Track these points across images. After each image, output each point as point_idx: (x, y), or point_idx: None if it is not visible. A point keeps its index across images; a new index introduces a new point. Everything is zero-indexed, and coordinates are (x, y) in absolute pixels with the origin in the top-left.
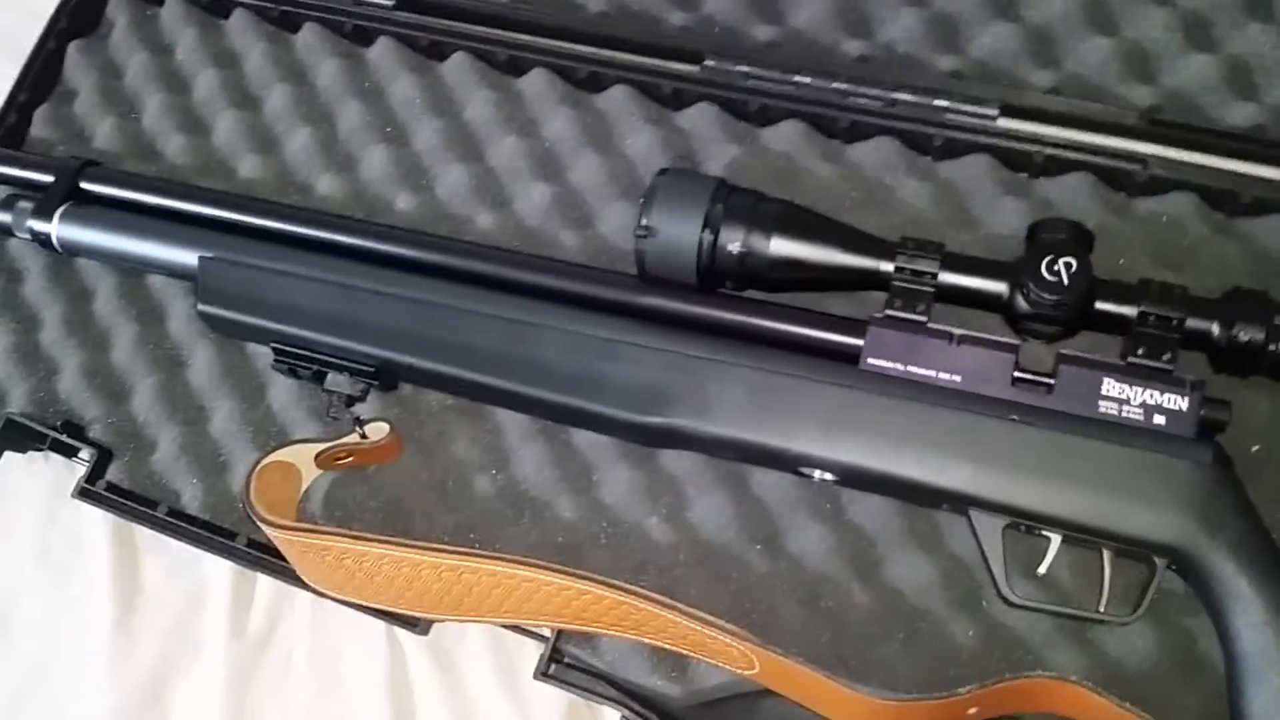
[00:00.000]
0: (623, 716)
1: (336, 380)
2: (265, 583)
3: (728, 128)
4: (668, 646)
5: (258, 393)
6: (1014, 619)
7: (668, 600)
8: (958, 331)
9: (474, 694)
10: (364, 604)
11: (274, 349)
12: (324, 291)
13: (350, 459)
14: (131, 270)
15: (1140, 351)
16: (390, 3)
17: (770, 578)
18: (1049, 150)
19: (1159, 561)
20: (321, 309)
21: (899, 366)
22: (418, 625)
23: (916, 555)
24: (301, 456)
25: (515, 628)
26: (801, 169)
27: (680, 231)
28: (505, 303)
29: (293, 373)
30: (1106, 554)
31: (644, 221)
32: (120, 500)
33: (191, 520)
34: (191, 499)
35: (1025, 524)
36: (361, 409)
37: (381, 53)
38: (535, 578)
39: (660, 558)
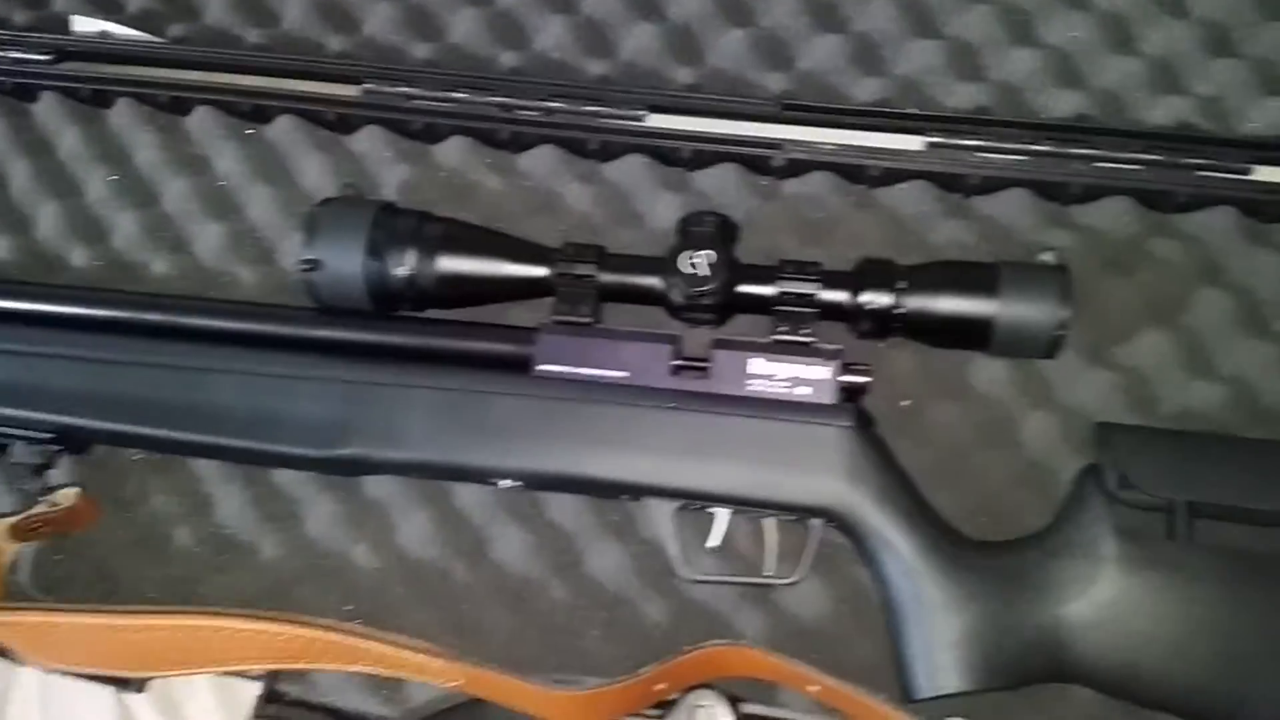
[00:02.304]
0: None
1: (19, 450)
2: None
3: (397, 148)
4: (378, 672)
5: None
6: (702, 593)
7: (362, 629)
8: (621, 329)
9: None
10: (81, 671)
11: None
12: None
13: (47, 527)
14: None
15: (783, 328)
16: (48, 56)
17: (475, 587)
18: (695, 144)
19: (815, 522)
20: None
21: (568, 369)
22: (131, 684)
23: (611, 545)
24: None
25: (229, 674)
26: (473, 182)
27: (345, 260)
28: (177, 351)
29: None
30: (769, 521)
31: (307, 255)
32: None
33: None
34: None
35: (694, 503)
36: (53, 475)
37: (47, 107)
38: (230, 625)
39: (368, 583)
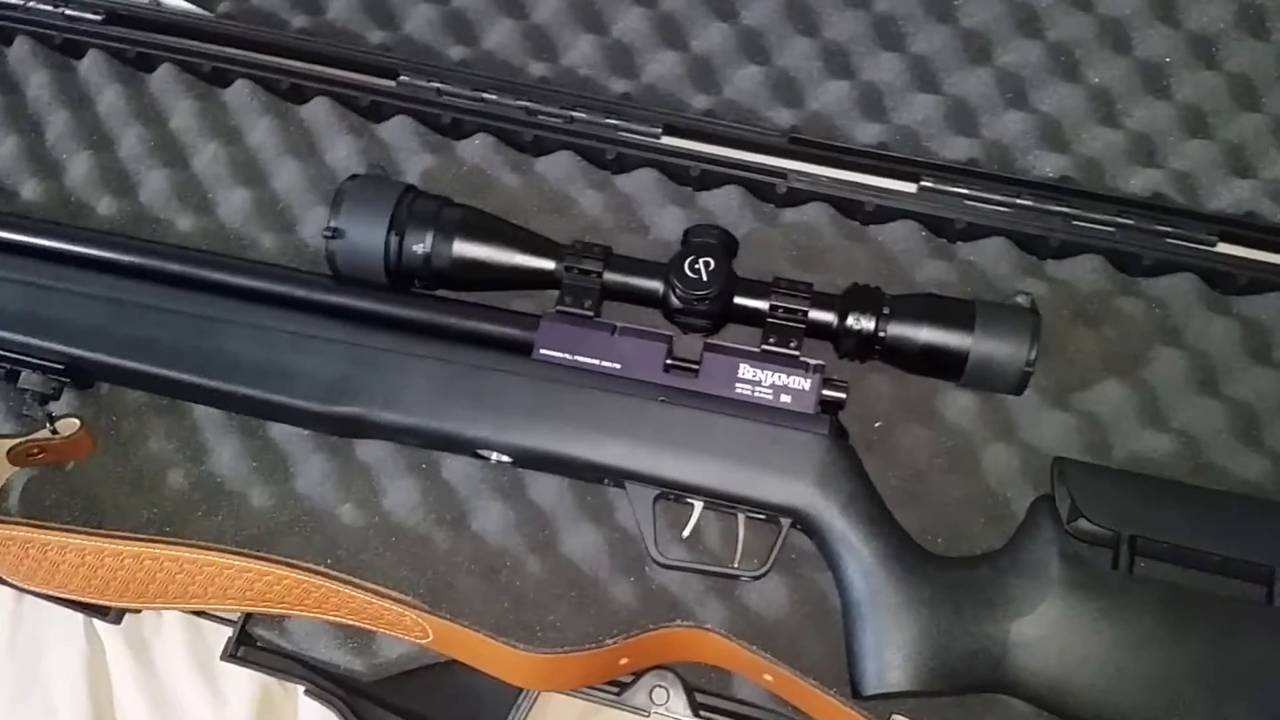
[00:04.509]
0: (305, 690)
1: (29, 378)
2: None
3: (423, 139)
4: (350, 622)
5: None
6: (670, 580)
7: (342, 575)
8: (619, 324)
9: (169, 679)
10: (57, 594)
11: None
12: (13, 291)
13: (43, 455)
14: None
15: (771, 340)
16: (99, 17)
17: (454, 555)
18: (705, 165)
19: (784, 521)
20: (11, 308)
21: (567, 356)
22: (109, 614)
23: (588, 528)
24: None
25: (204, 613)
26: (492, 178)
27: (367, 233)
28: (193, 299)
29: None
30: (741, 517)
31: (332, 224)
32: None
33: None
34: None
35: (672, 493)
36: (58, 407)
37: (91, 64)
38: (214, 561)
39: (351, 541)
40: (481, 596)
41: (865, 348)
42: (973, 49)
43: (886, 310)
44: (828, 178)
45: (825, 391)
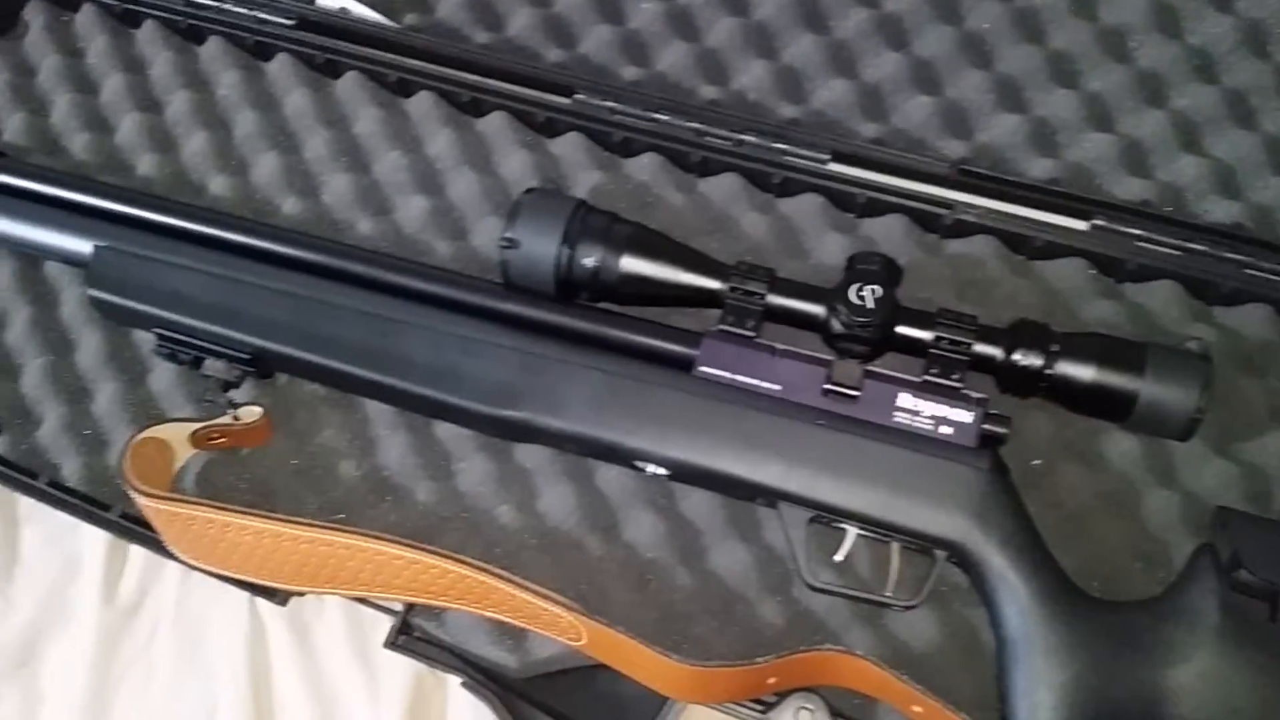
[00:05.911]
0: (462, 683)
1: (214, 365)
2: (137, 554)
3: (593, 156)
4: (506, 619)
5: (140, 377)
6: (817, 603)
7: (505, 574)
8: (780, 346)
9: (328, 663)
10: (227, 574)
11: (157, 334)
12: (206, 282)
13: (223, 440)
14: (29, 257)
15: (934, 371)
16: (290, 22)
17: (606, 562)
18: (871, 193)
19: (939, 554)
20: (203, 298)
21: (727, 375)
22: (276, 596)
23: (736, 545)
24: (177, 434)
25: (366, 601)
26: (658, 197)
27: (541, 245)
28: (374, 300)
29: (173, 358)
30: (895, 546)
31: (508, 234)
32: (2, 470)
33: (70, 492)
34: (71, 473)
35: (826, 517)
36: (236, 395)
37: (280, 67)
38: (386, 551)
39: (507, 541)
40: (630, 604)
41: (1029, 384)
42: (1148, 90)
43: (1055, 348)
44: (996, 211)
45: (987, 426)
